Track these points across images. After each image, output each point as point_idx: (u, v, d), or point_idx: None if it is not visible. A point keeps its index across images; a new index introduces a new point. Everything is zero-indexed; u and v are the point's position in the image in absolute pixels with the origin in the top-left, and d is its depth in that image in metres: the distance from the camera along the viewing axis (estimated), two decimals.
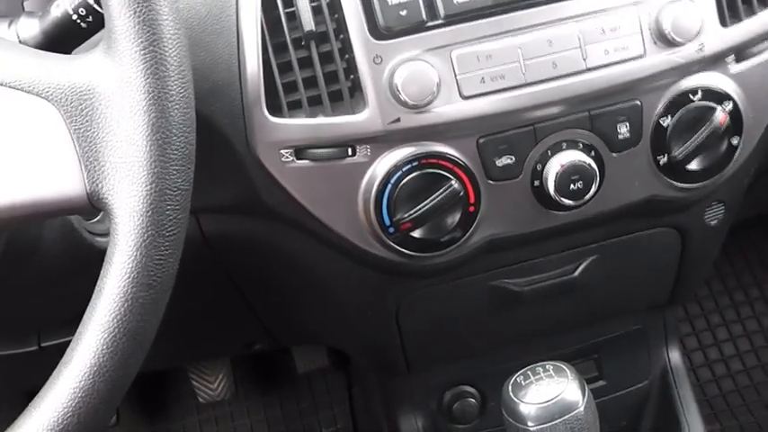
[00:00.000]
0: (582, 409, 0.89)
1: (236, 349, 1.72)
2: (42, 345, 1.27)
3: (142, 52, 0.71)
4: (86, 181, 0.73)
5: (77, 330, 0.72)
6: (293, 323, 1.37)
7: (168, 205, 0.71)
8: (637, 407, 1.37)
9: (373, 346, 1.23)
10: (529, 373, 0.92)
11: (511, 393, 0.92)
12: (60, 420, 0.71)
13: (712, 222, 1.15)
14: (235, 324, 1.38)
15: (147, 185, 0.71)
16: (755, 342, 2.08)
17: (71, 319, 0.75)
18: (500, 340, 1.23)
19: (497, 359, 1.22)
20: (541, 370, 0.92)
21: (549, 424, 0.89)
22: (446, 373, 1.28)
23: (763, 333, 2.07)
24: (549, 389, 0.90)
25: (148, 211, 0.71)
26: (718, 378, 2.03)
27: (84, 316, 0.72)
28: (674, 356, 1.35)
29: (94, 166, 0.72)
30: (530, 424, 0.89)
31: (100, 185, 0.72)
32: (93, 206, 0.74)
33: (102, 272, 0.72)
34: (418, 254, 0.98)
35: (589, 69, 0.95)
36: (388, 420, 1.35)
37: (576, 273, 1.12)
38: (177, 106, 0.72)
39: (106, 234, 0.98)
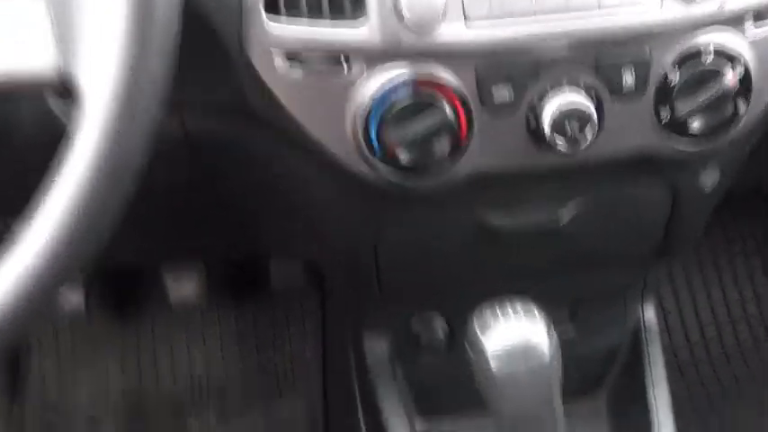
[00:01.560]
0: (547, 356, 0.88)
1: (211, 253, 1.71)
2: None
3: None
4: (59, 56, 0.69)
5: (31, 210, 0.70)
6: (269, 231, 1.36)
7: (142, 90, 0.68)
8: (604, 361, 1.36)
9: (348, 268, 1.22)
10: (498, 311, 0.91)
11: (477, 330, 0.90)
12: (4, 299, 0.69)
13: (706, 186, 1.12)
14: (211, 227, 1.37)
15: (121, 67, 0.67)
16: (733, 312, 2.07)
17: None
18: (476, 279, 1.21)
19: (471, 296, 1.21)
20: (511, 310, 0.90)
21: (511, 368, 0.87)
22: (417, 303, 1.27)
23: (741, 302, 2.07)
24: (516, 332, 0.88)
25: (119, 94, 0.67)
26: (692, 345, 2.03)
27: (41, 197, 0.70)
28: (649, 314, 1.34)
29: (68, 42, 0.69)
30: (492, 365, 0.88)
31: (71, 62, 0.69)
32: (62, 84, 0.71)
33: (63, 152, 0.70)
34: (403, 178, 0.95)
35: (602, 8, 0.91)
36: (353, 342, 1.34)
37: (562, 220, 1.10)
38: None
39: None
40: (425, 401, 1.34)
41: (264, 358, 1.99)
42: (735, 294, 2.07)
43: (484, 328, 0.90)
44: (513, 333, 0.88)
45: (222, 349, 1.99)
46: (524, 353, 0.87)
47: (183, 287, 1.96)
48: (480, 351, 0.89)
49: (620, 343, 1.35)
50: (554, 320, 1.31)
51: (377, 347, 1.30)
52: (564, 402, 1.38)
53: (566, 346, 1.33)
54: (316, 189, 1.07)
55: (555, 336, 0.90)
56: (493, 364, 0.88)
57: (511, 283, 1.23)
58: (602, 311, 1.32)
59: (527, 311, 0.90)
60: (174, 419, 1.92)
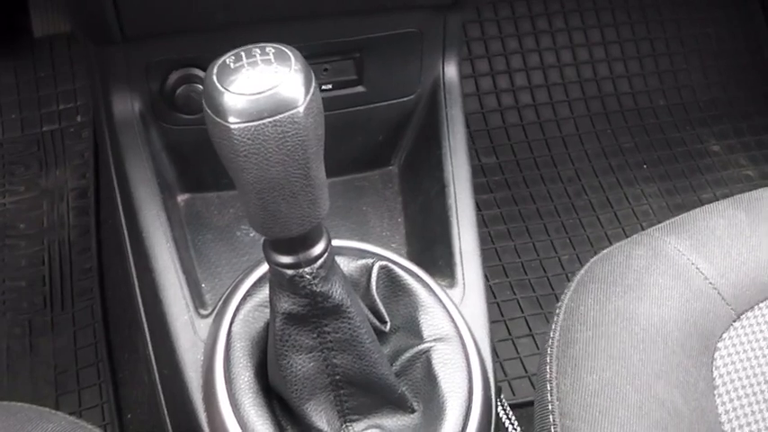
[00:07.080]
0: (300, 109, 0.68)
1: None
2: None
3: None
4: None
5: None
6: None
7: None
8: (398, 122, 1.18)
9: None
10: (242, 54, 0.70)
11: (215, 78, 0.69)
12: None
13: None
14: None
15: None
16: (550, 77, 1.94)
17: None
18: (241, 17, 1.00)
19: (235, 41, 0.99)
20: (259, 53, 0.70)
21: (255, 123, 0.67)
22: (171, 50, 1.04)
23: (558, 68, 1.93)
24: (263, 78, 0.68)
25: None
26: (503, 109, 1.90)
27: None
28: (450, 71, 1.15)
29: None
30: (231, 120, 0.68)
31: None
32: None
33: None
34: None
35: None
36: (104, 101, 1.11)
37: None
38: None
39: None
40: (188, 173, 1.13)
41: (29, 121, 1.73)
42: (552, 58, 1.93)
43: (224, 75, 0.69)
44: (260, 80, 0.68)
45: None
46: (272, 105, 0.67)
47: None
48: (217, 104, 0.68)
49: (416, 104, 1.16)
50: (339, 76, 1.12)
51: (127, 105, 1.07)
52: (354, 172, 1.23)
53: (354, 107, 1.15)
54: None
55: (315, 85, 0.70)
56: (231, 119, 0.68)
57: (284, 25, 1.03)
58: (395, 67, 1.13)
59: (279, 55, 0.69)
60: None
